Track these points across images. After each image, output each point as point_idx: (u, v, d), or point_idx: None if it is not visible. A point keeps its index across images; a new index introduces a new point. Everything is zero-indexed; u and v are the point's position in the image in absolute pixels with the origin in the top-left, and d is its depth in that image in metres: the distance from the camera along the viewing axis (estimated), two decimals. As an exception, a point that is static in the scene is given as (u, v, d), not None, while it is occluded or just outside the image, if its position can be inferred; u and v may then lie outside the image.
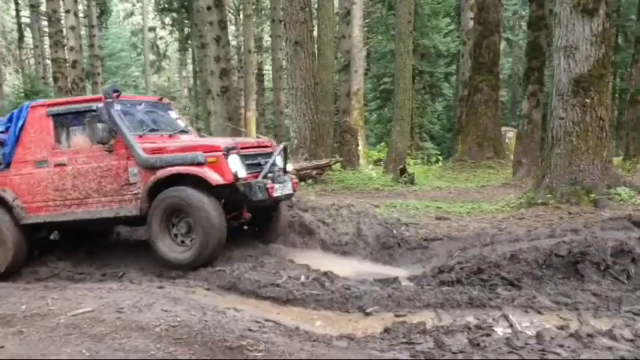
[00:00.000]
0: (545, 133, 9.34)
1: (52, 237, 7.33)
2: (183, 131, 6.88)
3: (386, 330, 4.07)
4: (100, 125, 5.92)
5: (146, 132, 6.27)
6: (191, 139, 6.69)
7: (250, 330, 3.84)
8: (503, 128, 19.15)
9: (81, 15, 23.84)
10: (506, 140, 18.31)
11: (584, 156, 8.06)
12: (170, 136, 6.55)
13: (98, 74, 26.72)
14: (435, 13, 23.79)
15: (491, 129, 16.46)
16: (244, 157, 5.97)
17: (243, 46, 28.55)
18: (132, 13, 37.63)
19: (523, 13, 28.94)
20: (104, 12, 31.17)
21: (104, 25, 33.82)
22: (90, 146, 6.19)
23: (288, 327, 4.12)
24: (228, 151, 5.76)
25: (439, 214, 8.33)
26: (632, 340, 3.54)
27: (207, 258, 5.71)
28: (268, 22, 28.60)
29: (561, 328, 3.84)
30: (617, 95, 27.50)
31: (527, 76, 13.26)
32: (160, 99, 7.29)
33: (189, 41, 29.46)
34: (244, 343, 3.52)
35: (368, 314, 4.52)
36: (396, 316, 4.45)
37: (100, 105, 6.04)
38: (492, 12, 14.01)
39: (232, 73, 16.31)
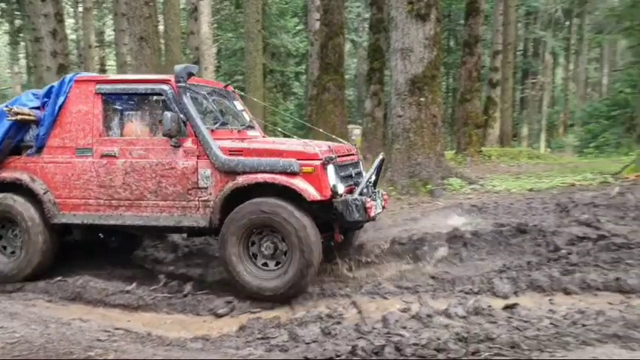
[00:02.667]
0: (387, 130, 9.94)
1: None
2: (250, 126, 5.86)
3: (241, 328, 4.10)
4: (169, 114, 4.82)
5: (218, 126, 5.23)
6: (274, 140, 5.66)
7: (99, 340, 3.66)
8: (350, 126, 19.96)
9: None
10: (353, 137, 19.11)
11: (420, 150, 8.72)
12: (239, 131, 5.56)
13: None
14: (283, 13, 24.17)
15: (339, 127, 17.04)
16: (339, 168, 4.96)
17: (82, 41, 26.78)
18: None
19: (366, 15, 30.41)
20: None
21: None
22: (149, 137, 5.12)
23: (139, 334, 3.99)
24: (327, 160, 4.75)
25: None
26: (465, 317, 3.91)
27: (301, 288, 4.67)
28: (110, 16, 27.14)
29: (404, 310, 4.13)
30: (449, 94, 29.99)
31: (370, 76, 14.02)
32: (226, 86, 6.06)
33: (20, 34, 27.03)
34: (92, 353, 3.35)
35: (221, 315, 4.51)
36: (251, 313, 4.49)
37: (169, 89, 5.02)
38: (337, 14, 14.52)
39: (71, 69, 15.25)
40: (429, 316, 3.95)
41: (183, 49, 17.32)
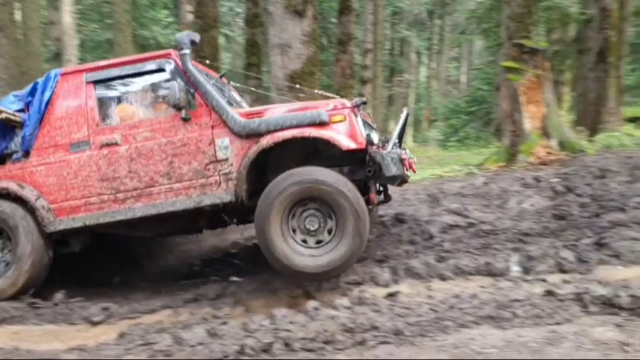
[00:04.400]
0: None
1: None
2: None
3: (121, 335, 3.88)
4: (176, 83, 4.39)
5: None
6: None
7: (-45, 360, 3.29)
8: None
9: None
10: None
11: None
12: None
13: None
14: (153, 4, 23.26)
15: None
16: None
17: None
18: None
19: (239, 10, 30.10)
20: None
21: None
22: (154, 116, 4.64)
23: (5, 349, 3.64)
24: (357, 106, 4.39)
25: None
26: (350, 308, 3.99)
27: (348, 267, 4.31)
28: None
29: (291, 306, 4.13)
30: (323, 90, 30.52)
31: (247, 71, 13.86)
32: (221, 76, 5.57)
33: None
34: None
35: (97, 323, 4.24)
36: (131, 319, 4.27)
37: (171, 64, 4.65)
38: (210, 6, 14.19)
39: None
40: (315, 309, 3.98)
41: (43, 40, 16.06)
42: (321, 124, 4.28)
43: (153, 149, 4.54)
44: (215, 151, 4.47)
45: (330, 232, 4.25)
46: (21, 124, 4.88)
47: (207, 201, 4.50)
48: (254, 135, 4.37)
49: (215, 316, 4.05)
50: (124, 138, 4.60)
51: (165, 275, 5.65)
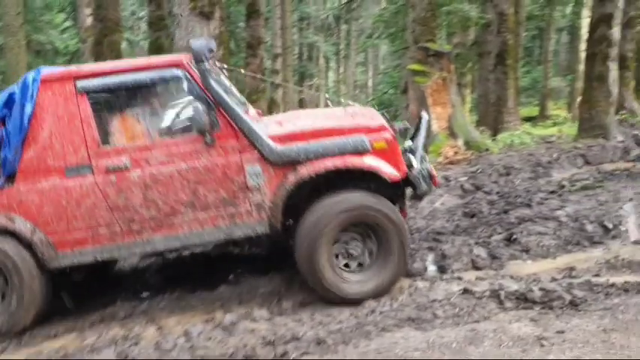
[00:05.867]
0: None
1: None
2: (244, 104, 4.62)
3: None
4: (199, 106, 3.83)
5: None
6: (293, 114, 4.79)
7: None
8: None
9: None
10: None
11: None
12: (246, 112, 4.31)
13: None
14: (48, 7, 22.01)
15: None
16: None
17: None
18: None
19: (141, 14, 29.14)
20: None
21: None
22: (170, 138, 4.02)
23: None
24: (395, 130, 4.11)
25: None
26: (269, 319, 3.85)
27: (394, 285, 4.09)
28: None
29: (207, 321, 3.94)
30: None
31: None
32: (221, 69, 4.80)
33: None
34: None
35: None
36: (32, 347, 3.91)
37: (183, 73, 4.02)
38: (111, 9, 13.61)
39: None
40: (233, 323, 3.82)
41: None
42: (364, 152, 4.02)
43: (172, 175, 3.99)
44: (245, 178, 4.03)
45: (370, 253, 4.11)
46: None
47: (238, 232, 4.11)
48: (291, 163, 4.01)
49: (125, 337, 3.78)
50: (135, 162, 3.99)
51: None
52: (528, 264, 4.75)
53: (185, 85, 4.07)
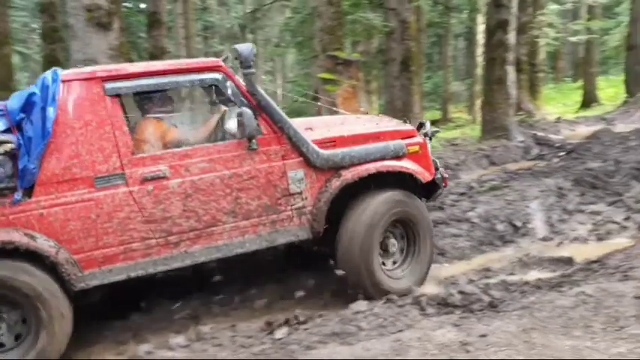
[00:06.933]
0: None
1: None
2: None
3: None
4: (248, 111, 3.74)
5: None
6: (317, 120, 4.87)
7: None
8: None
9: None
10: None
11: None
12: None
13: None
14: None
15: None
16: None
17: None
18: None
19: (34, 25, 27.58)
20: None
21: None
22: (211, 144, 3.87)
23: None
24: (425, 134, 4.52)
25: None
26: (187, 346, 3.65)
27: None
28: None
29: (119, 354, 3.69)
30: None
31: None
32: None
33: None
34: None
35: None
36: None
37: (222, 77, 3.89)
38: (1, 21, 12.72)
39: None
40: (148, 352, 3.58)
41: None
42: (402, 156, 4.28)
43: (214, 183, 3.81)
44: (288, 184, 4.00)
45: (401, 251, 4.37)
46: (10, 156, 3.50)
47: (281, 239, 4.05)
48: (334, 168, 4.10)
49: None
50: (174, 170, 3.74)
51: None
52: (446, 267, 4.83)
53: (225, 89, 3.94)
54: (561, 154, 8.63)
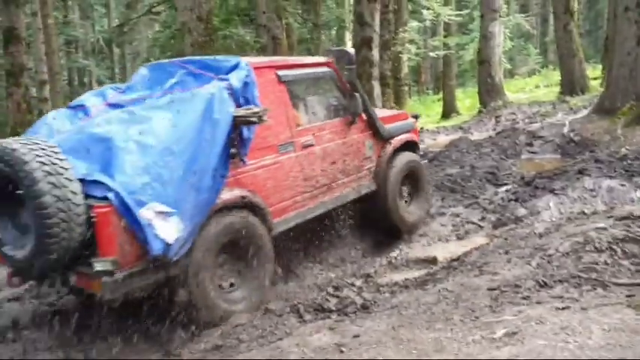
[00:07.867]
0: None
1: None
2: None
3: None
4: (359, 96, 5.28)
5: None
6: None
7: None
8: None
9: None
10: None
11: None
12: None
13: None
14: None
15: None
16: None
17: None
18: None
19: None
20: None
21: None
22: (329, 119, 5.24)
23: None
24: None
25: None
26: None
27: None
28: None
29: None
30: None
31: None
32: None
33: None
34: None
35: None
36: None
37: (332, 72, 5.30)
38: None
39: None
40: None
41: None
42: (414, 130, 6.40)
43: (334, 149, 5.15)
44: (365, 150, 5.55)
45: (409, 194, 6.17)
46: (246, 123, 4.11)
47: (363, 191, 5.49)
48: (389, 138, 5.79)
49: None
50: (317, 139, 4.97)
51: None
52: (323, 273, 5.02)
53: (333, 80, 5.32)
54: (424, 162, 9.22)
